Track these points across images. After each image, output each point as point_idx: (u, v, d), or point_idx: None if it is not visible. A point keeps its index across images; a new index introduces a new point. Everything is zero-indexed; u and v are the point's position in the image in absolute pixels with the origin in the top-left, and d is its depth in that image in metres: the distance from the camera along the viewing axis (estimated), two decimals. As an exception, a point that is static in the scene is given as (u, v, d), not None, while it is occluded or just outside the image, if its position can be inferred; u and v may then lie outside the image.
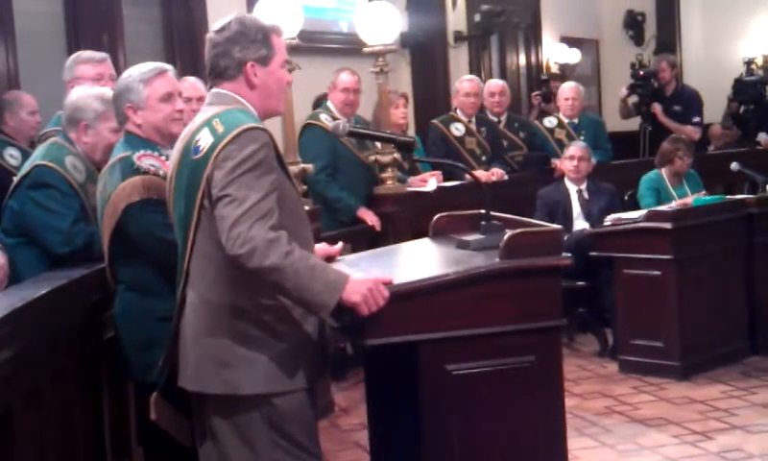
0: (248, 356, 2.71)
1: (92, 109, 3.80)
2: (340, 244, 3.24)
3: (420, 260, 3.30)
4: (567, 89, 7.70)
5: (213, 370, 2.74)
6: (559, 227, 3.06)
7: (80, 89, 3.94)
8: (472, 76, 7.62)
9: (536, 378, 2.84)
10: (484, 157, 7.01)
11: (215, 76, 2.83)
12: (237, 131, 2.64)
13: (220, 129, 2.67)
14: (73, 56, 4.54)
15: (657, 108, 8.46)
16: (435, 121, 7.19)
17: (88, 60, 4.43)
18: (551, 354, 2.89)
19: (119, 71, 4.23)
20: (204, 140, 2.69)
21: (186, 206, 2.74)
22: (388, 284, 2.68)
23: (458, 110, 7.11)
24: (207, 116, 2.76)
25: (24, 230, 3.74)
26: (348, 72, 6.16)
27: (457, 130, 7.00)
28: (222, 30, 2.80)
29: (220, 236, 2.59)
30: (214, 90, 2.84)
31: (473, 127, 7.05)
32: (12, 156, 5.20)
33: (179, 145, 2.85)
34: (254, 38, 2.79)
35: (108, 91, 3.90)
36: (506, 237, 2.83)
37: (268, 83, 2.82)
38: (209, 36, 2.84)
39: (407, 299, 2.70)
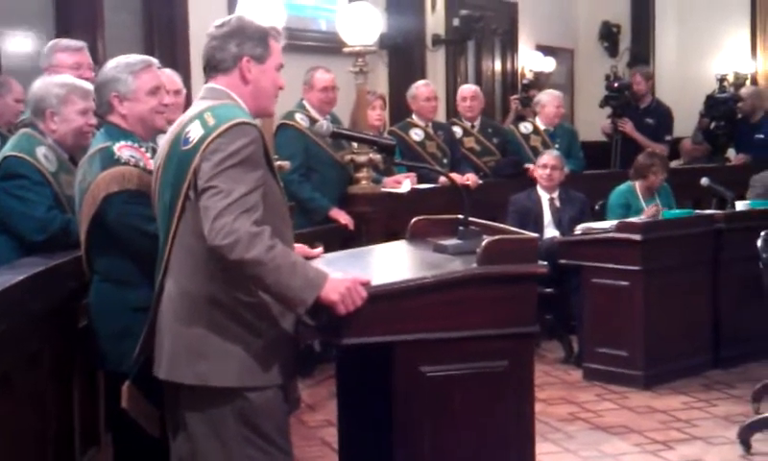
0: (223, 349, 2.72)
1: (54, 94, 3.79)
2: (320, 249, 3.27)
3: (397, 262, 3.33)
4: (555, 98, 7.73)
5: (187, 360, 2.75)
6: (536, 235, 3.12)
7: (39, 80, 3.94)
8: (426, 80, 7.69)
9: (508, 383, 2.89)
10: (445, 160, 7.06)
11: (210, 69, 2.85)
12: (228, 124, 2.67)
13: (211, 121, 2.69)
14: (51, 43, 4.53)
15: (627, 125, 8.53)
16: (393, 128, 7.23)
17: (66, 49, 4.43)
18: (524, 360, 2.93)
19: (96, 60, 4.23)
20: (195, 132, 2.71)
21: (172, 196, 2.75)
22: (366, 285, 2.70)
23: (414, 116, 7.15)
24: (199, 109, 2.78)
25: None
26: (323, 70, 6.17)
27: (416, 135, 7.04)
28: (222, 25, 2.84)
29: (203, 226, 2.60)
30: (208, 85, 2.87)
31: (431, 131, 7.10)
32: None
33: (168, 136, 2.86)
34: (252, 36, 2.82)
35: (68, 77, 3.90)
36: (484, 243, 2.87)
37: (261, 81, 2.85)
38: (209, 31, 2.87)
39: (385, 300, 2.73)
